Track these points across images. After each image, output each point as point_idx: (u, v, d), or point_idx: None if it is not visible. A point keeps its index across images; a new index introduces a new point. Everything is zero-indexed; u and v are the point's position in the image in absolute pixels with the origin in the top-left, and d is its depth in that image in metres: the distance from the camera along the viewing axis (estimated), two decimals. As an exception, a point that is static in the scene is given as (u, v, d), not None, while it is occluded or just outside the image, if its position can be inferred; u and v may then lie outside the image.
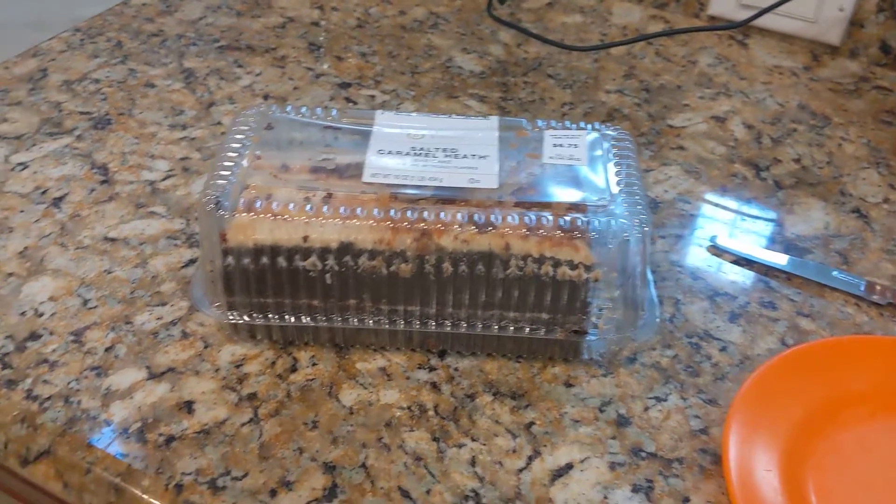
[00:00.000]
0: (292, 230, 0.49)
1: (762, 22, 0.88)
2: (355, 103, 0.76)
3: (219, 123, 0.72)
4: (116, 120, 0.72)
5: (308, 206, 0.49)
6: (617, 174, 0.53)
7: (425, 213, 0.49)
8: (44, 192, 0.64)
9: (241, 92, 0.76)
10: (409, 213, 0.49)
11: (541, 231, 0.48)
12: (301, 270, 0.50)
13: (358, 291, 0.51)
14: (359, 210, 0.49)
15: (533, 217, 0.49)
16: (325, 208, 0.49)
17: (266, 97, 0.76)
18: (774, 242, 0.65)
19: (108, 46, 0.81)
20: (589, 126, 0.57)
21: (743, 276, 0.62)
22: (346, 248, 0.49)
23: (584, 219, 0.49)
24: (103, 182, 0.65)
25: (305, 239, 0.49)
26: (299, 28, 0.87)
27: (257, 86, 0.77)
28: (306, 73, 0.80)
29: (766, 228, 0.66)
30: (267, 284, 0.50)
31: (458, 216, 0.49)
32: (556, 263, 0.49)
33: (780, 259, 0.63)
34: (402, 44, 0.86)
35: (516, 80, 0.81)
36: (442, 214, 0.49)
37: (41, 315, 0.55)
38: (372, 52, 0.84)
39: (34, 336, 0.53)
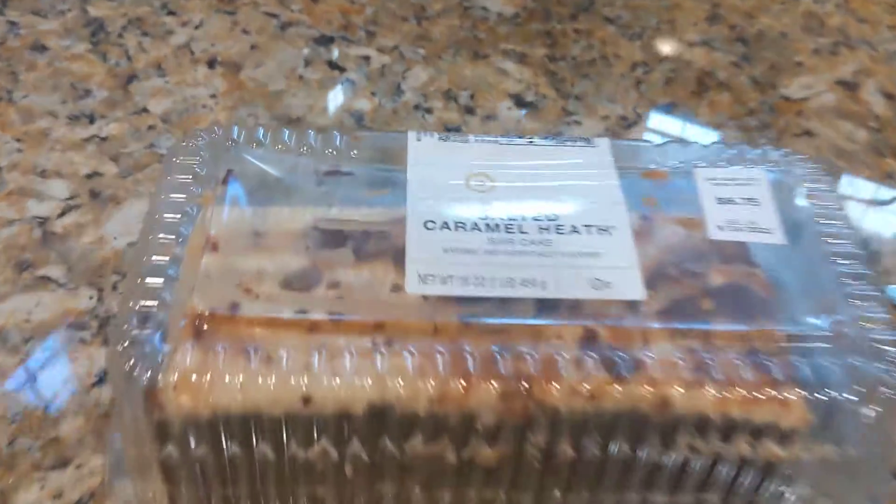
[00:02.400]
0: (282, 388, 0.27)
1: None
2: (342, 69, 0.53)
3: (144, 111, 0.49)
4: (-13, 109, 0.48)
5: (311, 344, 0.27)
6: (830, 255, 0.31)
7: (524, 353, 0.27)
8: None
9: (174, 56, 0.52)
10: (496, 354, 0.27)
11: (736, 387, 0.27)
12: (299, 459, 0.28)
13: (400, 479, 0.29)
14: (405, 352, 0.27)
15: (713, 359, 0.28)
16: (343, 348, 0.27)
17: (212, 63, 0.52)
18: (971, 290, 0.45)
19: (-26, -16, 0.56)
20: (753, 153, 0.35)
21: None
22: (380, 416, 0.28)
23: (804, 362, 0.28)
24: (-35, 224, 0.42)
25: (307, 402, 0.27)
26: (253, -50, 0.62)
27: (198, 45, 0.53)
28: (268, 23, 0.55)
29: (955, 266, 0.46)
30: (239, 476, 0.29)
31: (583, 355, 0.27)
32: (756, 433, 0.28)
33: None
34: (399, -28, 0.61)
35: (563, 27, 0.58)
36: (554, 353, 0.27)
37: None
38: (358, -14, 0.60)
39: None
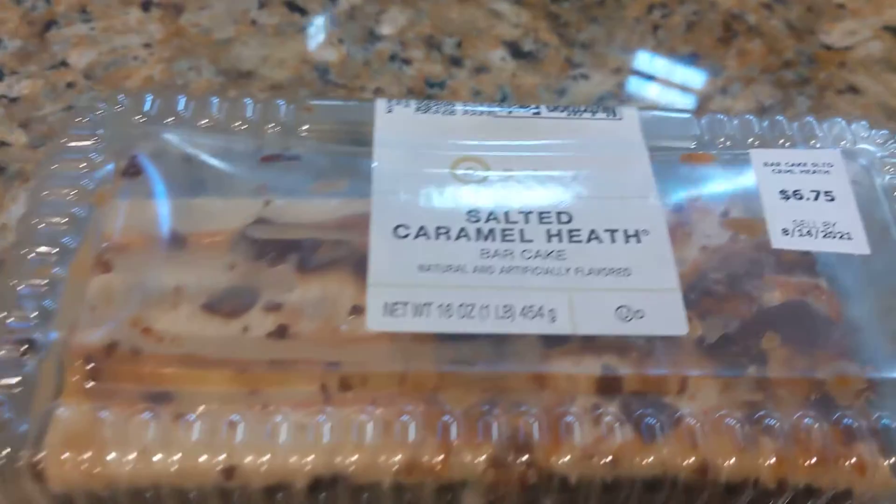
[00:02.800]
0: (196, 457, 0.20)
1: None
2: (303, 12, 0.44)
3: (63, 65, 0.40)
4: None
5: (235, 404, 0.20)
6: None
7: (524, 406, 0.20)
8: None
9: (102, -4, 0.44)
10: (485, 411, 0.20)
11: (802, 448, 0.20)
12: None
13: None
14: (366, 409, 0.20)
15: (773, 411, 0.21)
16: (278, 403, 0.20)
17: (147, 5, 0.43)
18: None
19: None
20: (823, 126, 0.27)
21: None
22: (327, 492, 0.20)
23: (888, 416, 0.21)
24: None
25: (229, 474, 0.20)
26: None
27: (132, -18, 0.45)
28: (217, -44, 0.47)
29: None
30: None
31: (602, 408, 0.20)
32: (826, 506, 0.21)
33: None
34: None
35: (567, -39, 0.50)
36: (562, 408, 0.20)
37: None
38: (326, -89, 0.51)
39: None
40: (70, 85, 0.40)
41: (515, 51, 0.44)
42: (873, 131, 0.27)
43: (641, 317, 0.21)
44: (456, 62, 0.43)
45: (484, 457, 0.20)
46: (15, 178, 0.36)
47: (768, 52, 0.46)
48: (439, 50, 0.44)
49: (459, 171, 0.24)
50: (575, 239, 0.23)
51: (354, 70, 0.42)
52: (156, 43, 0.42)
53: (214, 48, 0.42)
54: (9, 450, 0.19)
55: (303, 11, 0.45)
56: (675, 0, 0.48)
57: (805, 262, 0.24)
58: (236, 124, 0.25)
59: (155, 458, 0.19)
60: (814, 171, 0.24)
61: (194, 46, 0.42)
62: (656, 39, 0.46)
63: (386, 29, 0.45)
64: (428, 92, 0.42)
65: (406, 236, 0.22)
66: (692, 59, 0.45)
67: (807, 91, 0.44)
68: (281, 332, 0.22)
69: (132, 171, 0.23)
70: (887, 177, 0.25)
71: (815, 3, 0.50)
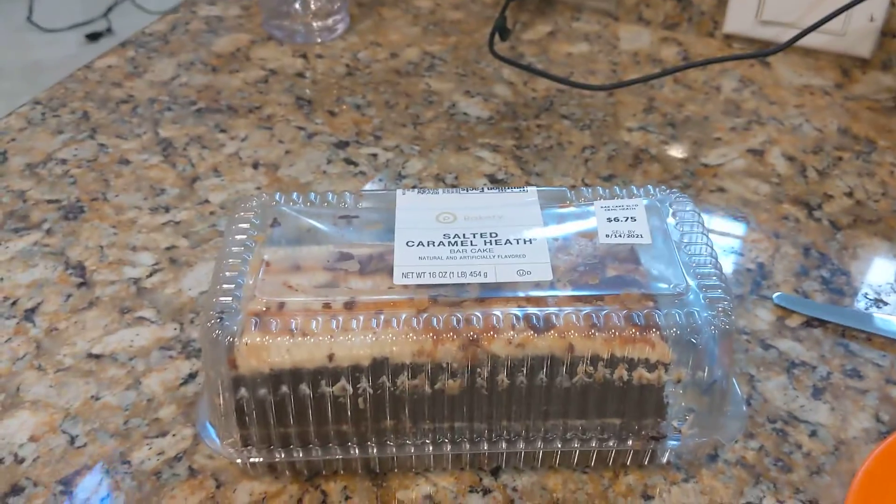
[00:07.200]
0: (314, 349, 0.41)
1: (784, 38, 0.81)
2: (356, 164, 0.69)
3: (206, 202, 0.64)
4: (89, 206, 0.64)
5: (332, 321, 0.41)
6: (687, 250, 0.45)
7: (473, 317, 0.41)
8: (13, 304, 0.56)
9: (226, 161, 0.68)
10: (453, 319, 0.41)
11: (612, 330, 0.41)
12: (328, 396, 0.42)
13: (395, 412, 0.43)
14: (394, 320, 0.41)
15: (601, 313, 0.41)
16: (353, 322, 0.41)
17: (256, 165, 0.68)
18: (844, 295, 0.58)
19: (73, 119, 0.73)
20: (640, 190, 0.49)
21: (818, 340, 0.54)
22: (380, 366, 0.41)
23: (660, 312, 0.41)
24: (81, 285, 0.57)
25: (331, 358, 0.41)
26: (283, 81, 0.79)
27: (244, 152, 0.69)
28: (297, 134, 0.72)
29: (832, 278, 0.59)
30: (288, 414, 0.42)
31: (512, 318, 0.41)
32: (631, 365, 0.42)
33: (855, 316, 0.56)
34: (399, 91, 0.78)
35: (528, 123, 0.74)
36: (493, 317, 0.41)
37: (22, 461, 0.46)
38: (367, 102, 0.76)
39: (16, 490, 0.45)
40: (212, 213, 0.63)
41: (493, 179, 0.68)
42: (668, 191, 0.49)
43: (530, 273, 0.43)
44: (454, 188, 0.66)
45: (455, 339, 0.41)
46: (183, 265, 0.59)
47: (664, 171, 0.69)
48: (443, 181, 0.67)
49: (440, 218, 0.46)
50: (498, 243, 0.45)
51: (388, 195, 0.65)
52: (263, 187, 0.66)
53: (300, 188, 0.66)
54: (228, 339, 0.40)
55: (355, 164, 0.69)
56: (600, 142, 0.72)
57: (631, 257, 0.46)
58: (324, 204, 0.48)
59: (299, 347, 0.40)
60: (626, 208, 0.46)
61: (288, 188, 0.66)
62: (586, 168, 0.69)
63: (409, 171, 0.68)
64: (436, 206, 0.65)
65: (412, 245, 0.44)
66: (609, 178, 0.68)
67: (688, 192, 0.67)
68: (352, 304, 0.43)
69: (274, 223, 0.46)
70: (669, 210, 0.47)
71: (700, 137, 0.73)
